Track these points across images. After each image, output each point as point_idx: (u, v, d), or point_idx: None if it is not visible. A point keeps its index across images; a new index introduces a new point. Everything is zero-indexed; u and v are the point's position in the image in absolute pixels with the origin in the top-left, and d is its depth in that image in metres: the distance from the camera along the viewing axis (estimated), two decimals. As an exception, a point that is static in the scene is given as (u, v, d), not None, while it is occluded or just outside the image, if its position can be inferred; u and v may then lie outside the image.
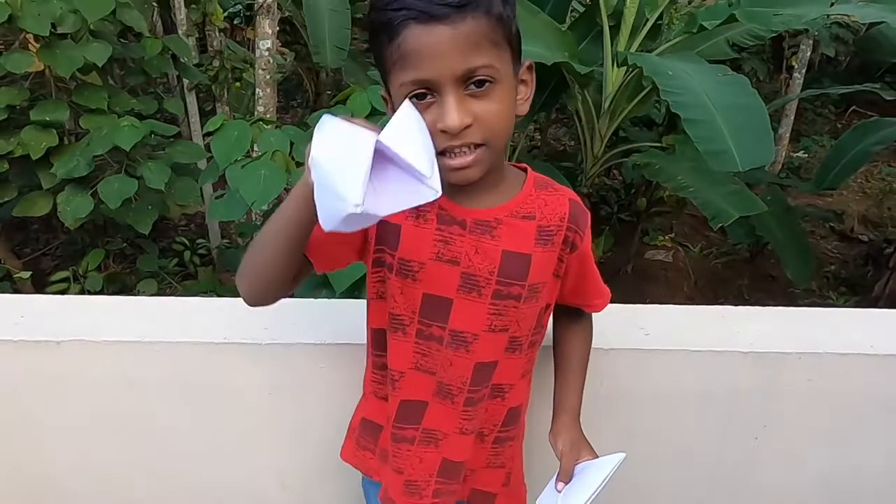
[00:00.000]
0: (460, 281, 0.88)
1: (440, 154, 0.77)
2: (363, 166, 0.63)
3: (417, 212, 0.87)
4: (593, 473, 0.92)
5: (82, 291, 3.33)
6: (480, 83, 0.75)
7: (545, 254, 0.90)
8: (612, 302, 1.05)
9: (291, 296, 2.23)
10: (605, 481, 0.90)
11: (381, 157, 0.66)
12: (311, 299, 1.26)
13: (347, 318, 1.21)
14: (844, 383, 1.27)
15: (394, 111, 0.79)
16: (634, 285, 4.32)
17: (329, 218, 0.67)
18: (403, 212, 0.71)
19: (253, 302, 0.90)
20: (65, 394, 1.18)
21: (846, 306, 4.13)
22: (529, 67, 0.83)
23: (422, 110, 0.75)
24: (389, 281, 0.89)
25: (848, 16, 4.33)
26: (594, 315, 1.08)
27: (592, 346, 1.08)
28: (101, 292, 3.37)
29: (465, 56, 0.73)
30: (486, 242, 0.87)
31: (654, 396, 1.26)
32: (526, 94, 0.83)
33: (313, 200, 0.69)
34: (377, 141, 0.64)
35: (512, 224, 0.88)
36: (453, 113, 0.74)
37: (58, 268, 3.59)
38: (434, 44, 0.72)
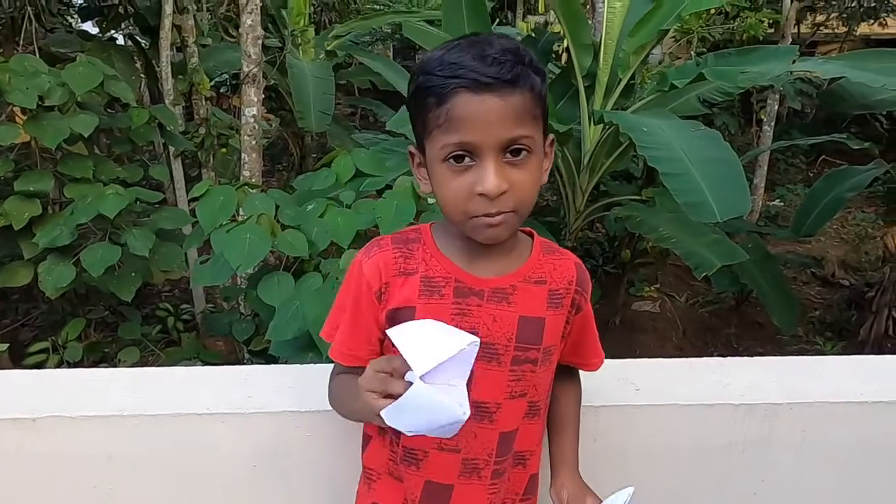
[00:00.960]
0: (480, 352, 0.87)
1: (473, 217, 0.81)
2: (438, 403, 0.70)
3: (432, 288, 0.88)
4: None
5: (61, 362, 3.24)
6: (518, 152, 0.80)
7: (556, 317, 0.92)
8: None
9: (277, 360, 2.19)
10: None
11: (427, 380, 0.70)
12: (297, 365, 1.24)
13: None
14: (838, 432, 1.26)
15: (422, 166, 0.86)
16: (624, 337, 4.31)
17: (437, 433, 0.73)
18: (416, 292, 0.82)
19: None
20: (42, 472, 1.13)
21: (833, 351, 4.15)
22: (551, 142, 0.88)
23: (459, 172, 0.80)
24: None
25: (810, 71, 4.55)
26: (583, 373, 1.08)
27: (583, 403, 1.07)
28: (80, 363, 3.29)
29: (510, 126, 0.78)
30: (503, 310, 0.88)
31: (649, 453, 1.24)
32: (546, 165, 0.87)
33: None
34: (421, 377, 0.70)
35: (526, 289, 0.90)
36: (493, 177, 0.78)
37: (36, 338, 3.51)
38: (483, 112, 0.77)
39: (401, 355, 0.72)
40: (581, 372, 1.08)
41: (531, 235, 0.96)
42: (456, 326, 0.86)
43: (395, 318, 0.87)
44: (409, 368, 0.71)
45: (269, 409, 1.12)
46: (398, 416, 0.72)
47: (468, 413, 0.70)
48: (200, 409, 1.10)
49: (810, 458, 1.27)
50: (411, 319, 0.86)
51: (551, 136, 0.88)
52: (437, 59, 0.80)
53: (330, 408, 1.00)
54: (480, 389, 0.88)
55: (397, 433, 0.92)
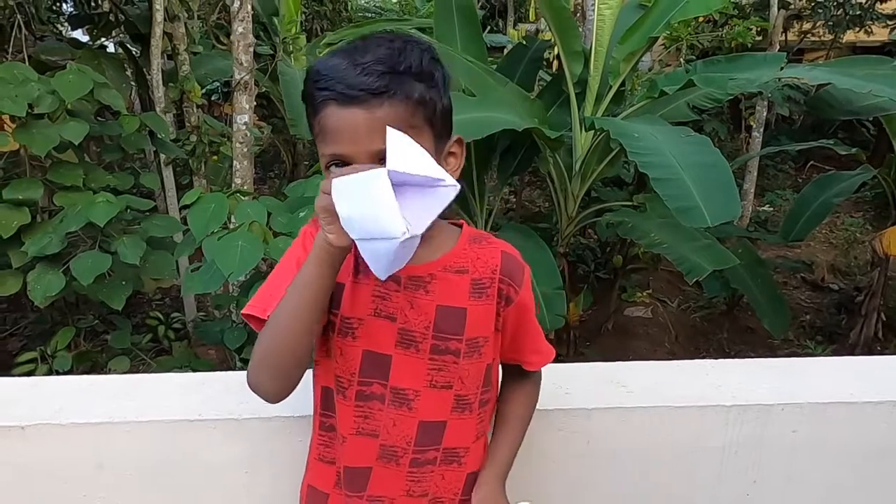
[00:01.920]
0: (398, 337, 0.88)
1: None
2: (389, 198, 0.68)
3: (358, 268, 0.88)
4: None
5: (50, 372, 3.21)
6: None
7: (481, 307, 0.90)
8: (595, 359, 1.04)
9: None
10: None
11: (394, 183, 0.70)
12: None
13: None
14: (829, 433, 1.27)
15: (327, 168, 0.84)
16: (616, 342, 4.32)
17: (383, 264, 0.73)
18: (349, 270, 0.79)
19: (276, 390, 0.86)
20: (31, 481, 1.11)
21: (824, 355, 4.18)
22: (458, 141, 0.87)
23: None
24: (332, 341, 0.90)
25: (798, 78, 4.61)
26: (571, 374, 1.07)
27: (575, 406, 1.06)
28: (70, 372, 3.25)
29: (380, 139, 0.74)
30: (420, 298, 0.88)
31: (641, 455, 1.24)
32: (455, 165, 0.87)
33: (334, 260, 0.77)
34: (388, 172, 0.69)
35: (445, 278, 0.89)
36: None
37: (25, 348, 3.47)
38: (349, 125, 0.77)
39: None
40: (559, 373, 1.07)
41: (461, 226, 0.94)
42: (375, 308, 0.88)
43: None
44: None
45: (262, 415, 1.11)
46: (340, 194, 0.70)
47: (407, 232, 0.68)
48: (192, 416, 1.09)
49: (802, 458, 1.28)
50: (340, 296, 0.87)
51: (456, 136, 0.87)
52: (315, 69, 0.80)
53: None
54: (398, 376, 0.89)
55: (329, 418, 0.93)
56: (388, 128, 0.73)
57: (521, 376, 1.04)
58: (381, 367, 0.89)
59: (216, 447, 1.11)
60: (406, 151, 0.71)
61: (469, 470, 0.97)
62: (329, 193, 0.72)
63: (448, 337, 0.89)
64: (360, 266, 0.87)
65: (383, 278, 0.76)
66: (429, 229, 0.86)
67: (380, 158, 0.76)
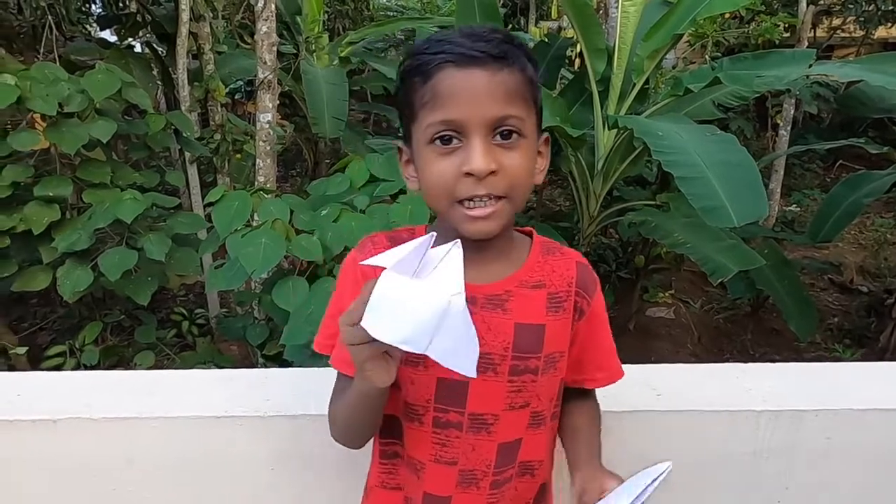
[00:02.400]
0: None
1: (459, 203, 0.76)
2: (412, 286, 0.61)
3: None
4: (633, 483, 0.80)
5: (78, 366, 3.27)
6: (508, 134, 0.75)
7: (558, 322, 0.86)
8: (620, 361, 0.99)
9: (291, 364, 2.19)
10: (649, 488, 0.77)
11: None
12: (314, 368, 1.23)
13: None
14: (864, 440, 1.23)
15: (410, 163, 0.81)
16: (638, 343, 4.27)
17: (462, 355, 0.64)
18: None
19: (356, 447, 0.90)
20: (62, 474, 1.13)
21: (853, 359, 4.08)
22: (546, 140, 0.84)
23: (445, 154, 0.75)
24: (400, 371, 0.83)
25: (827, 75, 4.51)
26: None
27: (607, 408, 1.03)
28: (97, 366, 3.31)
29: (499, 103, 0.73)
30: (497, 317, 0.83)
31: (672, 459, 1.22)
32: (542, 165, 0.83)
33: (382, 393, 0.73)
34: (387, 271, 0.62)
35: (522, 294, 0.84)
36: (480, 156, 0.73)
37: (54, 342, 3.55)
38: (469, 86, 0.73)
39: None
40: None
41: (530, 235, 0.90)
42: None
43: None
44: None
45: (287, 413, 1.11)
46: (379, 321, 0.61)
47: (461, 291, 0.61)
48: (219, 412, 1.10)
49: (835, 465, 1.25)
50: None
51: (546, 135, 0.83)
52: (424, 41, 0.77)
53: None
54: (476, 402, 0.84)
55: (392, 445, 0.90)
56: (362, 263, 0.68)
57: (581, 395, 0.98)
58: (457, 395, 0.84)
59: (242, 444, 1.12)
60: (391, 256, 0.64)
61: (541, 481, 0.95)
62: (354, 324, 0.64)
63: (527, 356, 0.84)
64: None
65: (475, 374, 0.65)
66: (506, 240, 0.84)
67: (493, 127, 0.74)
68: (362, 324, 0.62)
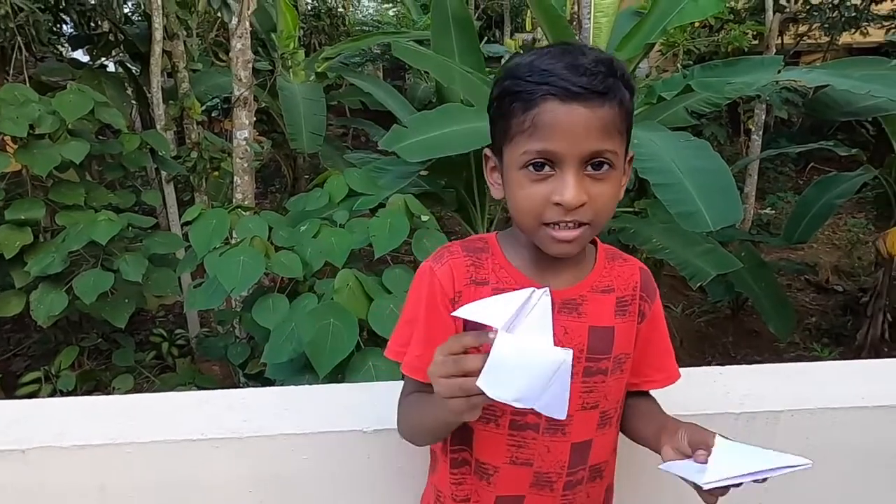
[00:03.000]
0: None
1: (545, 225, 0.79)
2: (527, 345, 0.65)
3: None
4: (755, 453, 0.77)
5: (54, 392, 3.20)
6: (599, 165, 0.78)
7: (625, 325, 0.90)
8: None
9: (274, 383, 2.16)
10: (775, 471, 0.74)
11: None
12: (293, 387, 1.22)
13: (332, 404, 1.17)
14: (842, 438, 1.25)
15: (496, 171, 0.85)
16: (621, 349, 4.29)
17: (562, 400, 0.67)
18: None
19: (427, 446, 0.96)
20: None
21: (830, 357, 4.15)
22: (631, 159, 0.86)
23: (537, 181, 0.78)
24: None
25: (795, 81, 4.62)
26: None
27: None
28: (74, 391, 3.24)
29: (596, 139, 0.76)
30: (573, 321, 0.86)
31: (651, 462, 1.23)
32: (625, 181, 0.85)
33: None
34: (498, 330, 0.65)
35: (595, 299, 0.88)
36: (572, 189, 0.76)
37: (29, 368, 3.47)
38: (570, 122, 0.75)
39: (468, 331, 0.67)
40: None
41: (594, 242, 0.93)
42: None
43: (469, 326, 0.78)
44: (480, 343, 0.66)
45: (266, 433, 1.10)
46: (495, 381, 0.65)
47: (569, 350, 0.65)
48: (194, 435, 1.08)
49: (815, 465, 1.26)
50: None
51: (632, 152, 0.86)
52: (527, 65, 0.78)
53: (326, 429, 0.99)
54: None
55: (463, 452, 0.91)
56: (457, 314, 0.70)
57: (641, 396, 0.99)
58: None
59: (219, 467, 1.10)
60: (491, 307, 0.68)
61: (607, 483, 0.97)
62: (447, 376, 0.68)
63: (599, 358, 0.87)
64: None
65: (565, 416, 0.68)
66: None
67: (586, 161, 0.77)
68: (478, 383, 0.65)
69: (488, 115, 0.85)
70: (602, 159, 0.78)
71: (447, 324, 0.84)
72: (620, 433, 1.00)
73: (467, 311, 0.68)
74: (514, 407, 0.80)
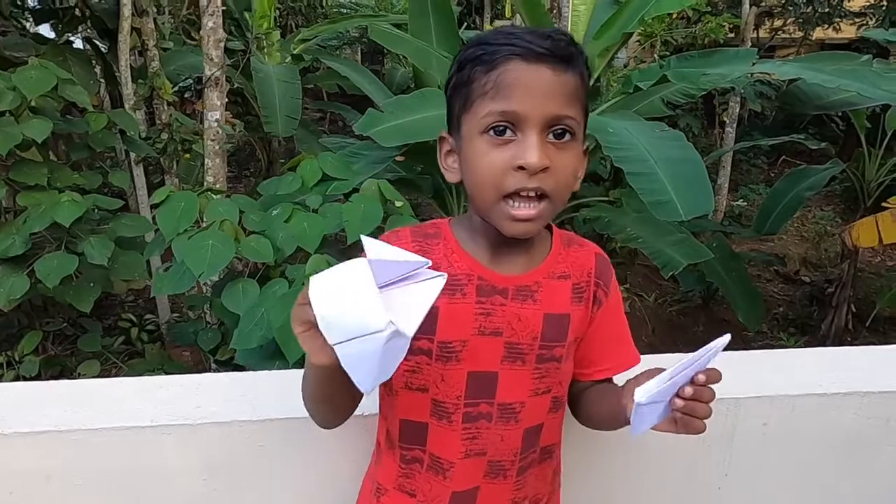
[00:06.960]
0: (504, 352, 0.84)
1: (505, 199, 0.76)
2: (370, 288, 0.61)
3: (454, 287, 0.82)
4: (692, 358, 0.77)
5: (17, 378, 3.12)
6: (562, 133, 0.77)
7: (580, 311, 0.88)
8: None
9: (245, 369, 2.12)
10: (704, 357, 0.75)
11: (379, 283, 0.63)
12: (251, 372, 1.19)
13: (291, 390, 1.15)
14: (799, 424, 1.27)
15: (451, 153, 0.82)
16: (594, 337, 4.33)
17: (366, 369, 0.63)
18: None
19: (329, 428, 0.92)
20: (-24, 494, 1.06)
21: (797, 346, 4.24)
22: (587, 150, 0.85)
23: (499, 145, 0.75)
24: (427, 369, 0.84)
25: (769, 74, 4.67)
26: None
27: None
28: (38, 377, 3.17)
29: (559, 102, 0.75)
30: (527, 308, 0.84)
31: (614, 449, 1.23)
32: (581, 172, 0.84)
33: (330, 373, 0.67)
34: (369, 261, 0.62)
35: (550, 285, 0.86)
36: (536, 150, 0.74)
37: (-10, 353, 3.37)
38: (534, 81, 0.74)
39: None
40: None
41: (549, 228, 0.91)
42: (479, 327, 0.83)
43: None
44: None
45: (218, 420, 1.07)
46: (324, 288, 0.62)
47: (393, 325, 0.60)
48: (144, 422, 1.05)
49: (772, 450, 1.28)
50: (434, 320, 0.81)
51: (587, 144, 0.85)
52: (490, 32, 0.78)
53: (282, 415, 0.96)
54: (505, 392, 0.85)
55: (412, 450, 0.89)
56: (362, 237, 0.67)
57: (598, 384, 0.95)
58: (487, 386, 0.85)
59: (171, 454, 1.07)
60: (384, 251, 0.65)
61: (556, 465, 0.97)
62: (306, 303, 0.64)
63: (553, 345, 0.86)
64: (455, 285, 0.82)
65: (369, 391, 0.66)
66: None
67: (549, 125, 0.75)
68: (311, 278, 0.63)
69: (445, 96, 0.83)
70: (564, 126, 0.76)
71: None
72: (588, 427, 1.00)
73: (369, 241, 0.65)
74: (464, 403, 0.81)
